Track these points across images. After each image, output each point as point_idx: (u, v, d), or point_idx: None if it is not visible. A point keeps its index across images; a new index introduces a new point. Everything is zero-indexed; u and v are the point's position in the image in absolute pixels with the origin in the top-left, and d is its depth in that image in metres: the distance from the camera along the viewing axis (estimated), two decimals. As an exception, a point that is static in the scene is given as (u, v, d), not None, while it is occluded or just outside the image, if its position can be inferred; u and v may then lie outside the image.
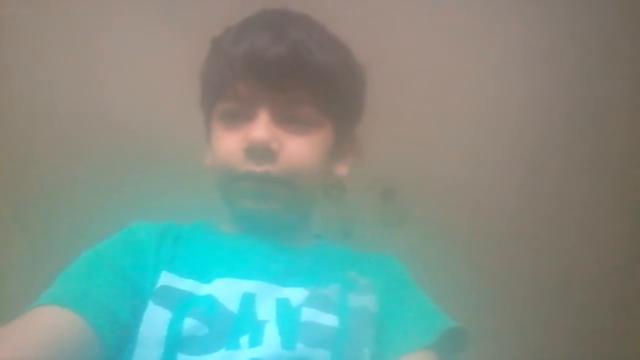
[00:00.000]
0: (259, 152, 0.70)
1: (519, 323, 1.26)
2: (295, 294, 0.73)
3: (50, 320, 0.61)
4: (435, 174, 1.22)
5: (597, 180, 1.23)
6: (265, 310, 0.71)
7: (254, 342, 0.68)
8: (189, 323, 0.67)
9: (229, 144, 0.73)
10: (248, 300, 0.71)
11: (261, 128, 0.70)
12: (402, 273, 0.82)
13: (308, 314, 0.71)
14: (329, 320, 0.71)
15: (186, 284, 0.71)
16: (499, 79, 1.17)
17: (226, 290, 0.71)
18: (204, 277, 0.73)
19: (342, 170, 0.82)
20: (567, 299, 1.26)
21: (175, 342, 0.66)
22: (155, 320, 0.67)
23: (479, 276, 1.23)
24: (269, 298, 0.72)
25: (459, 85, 1.18)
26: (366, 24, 1.12)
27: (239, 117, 0.73)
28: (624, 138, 1.21)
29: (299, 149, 0.72)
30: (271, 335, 0.68)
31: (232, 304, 0.70)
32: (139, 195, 1.04)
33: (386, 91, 1.14)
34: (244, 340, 0.68)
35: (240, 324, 0.69)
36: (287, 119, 0.73)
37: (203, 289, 0.71)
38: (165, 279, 0.71)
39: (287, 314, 0.71)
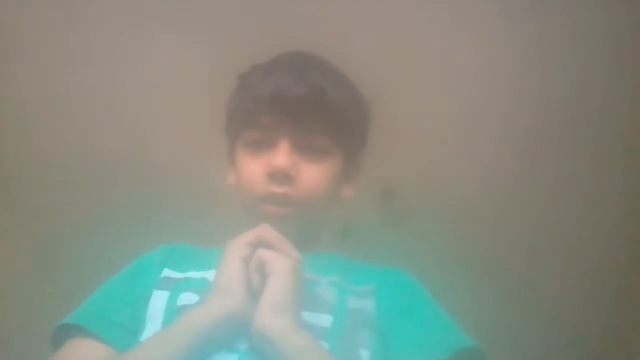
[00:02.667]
0: (280, 176, 0.80)
1: (520, 322, 1.26)
2: None
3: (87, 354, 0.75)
4: (435, 174, 1.22)
5: (601, 181, 1.23)
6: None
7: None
8: (183, 296, 0.77)
9: (253, 168, 0.83)
10: None
11: (282, 156, 0.80)
12: (411, 285, 0.84)
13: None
14: (322, 320, 0.74)
15: (184, 275, 0.81)
16: (498, 79, 1.17)
17: None
18: (202, 269, 0.80)
19: (348, 193, 0.91)
20: (571, 298, 1.27)
21: (171, 312, 0.75)
22: (157, 300, 0.78)
23: (478, 276, 1.23)
24: None
25: (458, 86, 1.18)
26: (365, 26, 1.13)
27: (262, 145, 0.83)
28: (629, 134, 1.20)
29: (313, 174, 0.82)
30: None
31: None
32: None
33: (386, 92, 1.14)
34: None
35: None
36: (304, 148, 0.82)
37: (199, 275, 0.80)
38: (166, 273, 0.82)
39: None
